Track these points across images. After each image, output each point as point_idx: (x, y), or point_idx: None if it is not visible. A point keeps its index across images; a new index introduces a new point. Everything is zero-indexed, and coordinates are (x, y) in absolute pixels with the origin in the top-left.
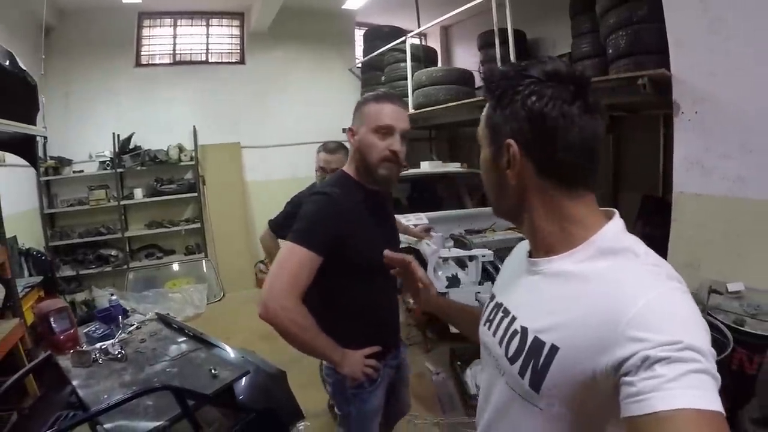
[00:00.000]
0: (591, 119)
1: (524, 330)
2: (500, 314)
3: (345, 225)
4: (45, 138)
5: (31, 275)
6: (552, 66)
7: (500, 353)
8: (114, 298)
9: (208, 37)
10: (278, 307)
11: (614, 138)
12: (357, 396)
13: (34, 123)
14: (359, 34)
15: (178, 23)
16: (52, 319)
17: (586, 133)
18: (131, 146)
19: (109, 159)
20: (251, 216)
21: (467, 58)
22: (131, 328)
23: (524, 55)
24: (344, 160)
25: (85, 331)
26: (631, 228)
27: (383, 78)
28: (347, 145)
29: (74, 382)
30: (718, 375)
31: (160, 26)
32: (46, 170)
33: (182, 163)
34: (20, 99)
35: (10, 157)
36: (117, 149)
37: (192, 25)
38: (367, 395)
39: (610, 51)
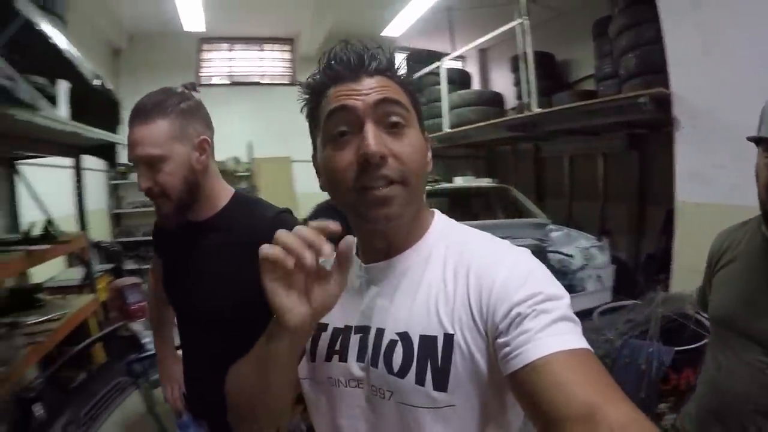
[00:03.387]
0: None
1: (404, 335)
2: (352, 336)
3: (158, 247)
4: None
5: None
6: None
7: (379, 374)
8: None
9: (261, 61)
10: None
11: (639, 155)
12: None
13: (116, 133)
14: (401, 58)
15: (234, 47)
16: (126, 292)
17: None
18: None
19: None
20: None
21: (502, 80)
22: None
23: (554, 76)
24: None
25: None
26: (657, 242)
27: (423, 99)
28: None
29: (144, 341)
30: (577, 319)
31: (218, 50)
32: (114, 175)
33: (238, 174)
34: (106, 113)
35: (86, 162)
36: None
37: (247, 50)
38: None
39: (622, 72)
